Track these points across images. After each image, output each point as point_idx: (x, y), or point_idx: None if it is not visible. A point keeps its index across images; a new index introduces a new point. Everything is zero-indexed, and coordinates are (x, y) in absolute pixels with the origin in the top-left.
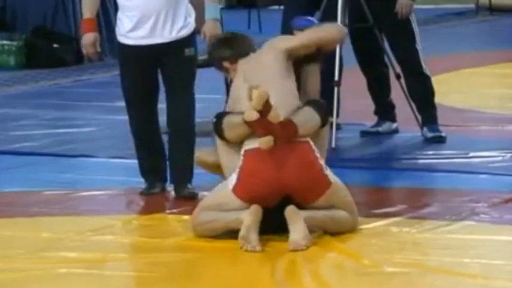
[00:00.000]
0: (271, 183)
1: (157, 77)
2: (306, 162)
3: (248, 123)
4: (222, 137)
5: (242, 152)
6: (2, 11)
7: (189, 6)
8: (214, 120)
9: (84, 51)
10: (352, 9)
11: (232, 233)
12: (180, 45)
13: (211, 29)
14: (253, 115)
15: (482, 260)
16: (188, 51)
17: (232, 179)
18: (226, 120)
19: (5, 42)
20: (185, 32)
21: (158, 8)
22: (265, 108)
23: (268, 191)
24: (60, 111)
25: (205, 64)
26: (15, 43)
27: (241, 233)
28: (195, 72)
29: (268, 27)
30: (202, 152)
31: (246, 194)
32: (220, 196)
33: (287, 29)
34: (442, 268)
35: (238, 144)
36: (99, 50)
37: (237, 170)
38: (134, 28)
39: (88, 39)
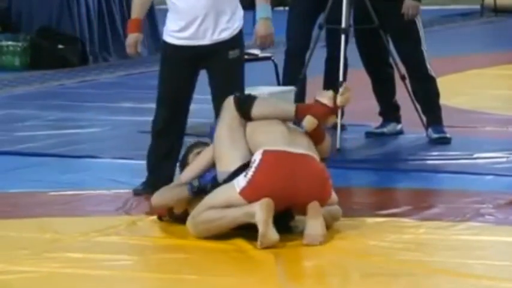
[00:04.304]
0: (282, 190)
1: (195, 81)
2: (319, 174)
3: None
4: (244, 111)
5: (261, 150)
6: (7, 12)
7: (237, 6)
8: (239, 94)
9: (127, 50)
10: (357, 10)
11: (232, 234)
12: (224, 47)
13: (263, 29)
14: (333, 104)
15: (487, 261)
16: (232, 54)
17: (240, 182)
18: (264, 102)
19: (10, 43)
20: (228, 34)
21: (202, 11)
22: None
23: (277, 196)
24: (65, 112)
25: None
26: (20, 44)
27: (260, 231)
28: (241, 76)
29: (274, 28)
30: (156, 196)
31: (256, 196)
32: (226, 198)
33: (292, 31)
34: (447, 269)
35: (243, 131)
36: (139, 50)
37: (251, 171)
38: (179, 30)
39: (129, 39)
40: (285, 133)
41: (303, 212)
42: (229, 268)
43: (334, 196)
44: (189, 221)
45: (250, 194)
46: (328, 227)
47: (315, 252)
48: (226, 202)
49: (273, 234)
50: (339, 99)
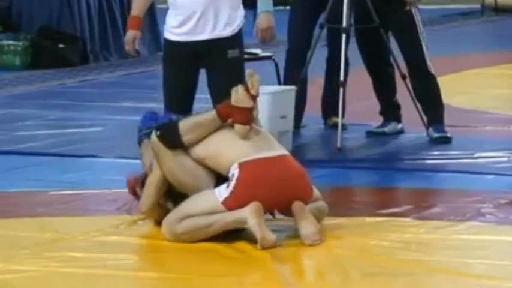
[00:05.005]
0: (272, 197)
1: (197, 77)
2: (297, 172)
3: (233, 112)
4: (176, 143)
5: (236, 164)
6: (7, 11)
7: (239, 5)
8: (159, 132)
9: (125, 47)
10: (357, 10)
11: (230, 236)
12: (223, 45)
13: (265, 22)
14: (251, 101)
15: (487, 260)
16: (232, 53)
17: (222, 192)
18: (188, 123)
19: (10, 42)
20: (229, 31)
21: (201, 5)
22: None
23: (266, 203)
24: (65, 111)
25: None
26: (20, 43)
27: (258, 236)
28: (241, 76)
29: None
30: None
31: (240, 206)
32: (208, 207)
33: (293, 30)
34: (447, 268)
35: (184, 156)
36: (137, 47)
37: (232, 182)
38: (178, 25)
39: (127, 36)
40: (246, 140)
41: (289, 213)
42: (231, 268)
43: (317, 192)
44: (166, 227)
45: (233, 205)
46: (319, 223)
47: (316, 252)
48: (208, 211)
49: (271, 236)
50: (253, 91)
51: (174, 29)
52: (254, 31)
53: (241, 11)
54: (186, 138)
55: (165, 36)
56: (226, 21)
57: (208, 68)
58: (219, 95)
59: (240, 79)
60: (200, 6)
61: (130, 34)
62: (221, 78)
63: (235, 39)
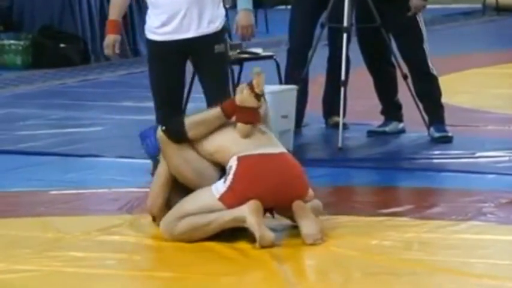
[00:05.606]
0: (269, 193)
1: (184, 74)
2: (295, 170)
3: (238, 111)
4: (182, 138)
5: (235, 157)
6: (8, 11)
7: (220, 2)
8: (165, 127)
9: (105, 51)
10: (359, 9)
11: (231, 235)
12: (209, 41)
13: (244, 19)
14: (256, 101)
15: (489, 260)
16: (218, 48)
17: (219, 188)
18: (193, 119)
19: (11, 41)
20: (213, 28)
21: (185, 4)
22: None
23: (263, 200)
24: (67, 111)
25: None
26: (22, 43)
27: (257, 235)
28: (227, 71)
29: (275, 27)
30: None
31: (237, 202)
32: (204, 204)
33: (294, 29)
34: (449, 268)
35: (190, 151)
36: (117, 51)
37: (229, 177)
38: (161, 24)
39: (107, 40)
40: (249, 138)
41: (286, 212)
42: (231, 267)
43: (311, 191)
44: (164, 227)
45: (230, 200)
46: None
47: (317, 251)
48: (205, 208)
49: (270, 235)
50: (258, 90)
51: (158, 29)
52: (234, 28)
53: (221, 9)
54: (191, 133)
55: (148, 37)
56: (209, 19)
57: (197, 65)
58: (211, 91)
59: (227, 73)
60: (184, 5)
61: (111, 38)
62: (211, 73)
63: (220, 35)
